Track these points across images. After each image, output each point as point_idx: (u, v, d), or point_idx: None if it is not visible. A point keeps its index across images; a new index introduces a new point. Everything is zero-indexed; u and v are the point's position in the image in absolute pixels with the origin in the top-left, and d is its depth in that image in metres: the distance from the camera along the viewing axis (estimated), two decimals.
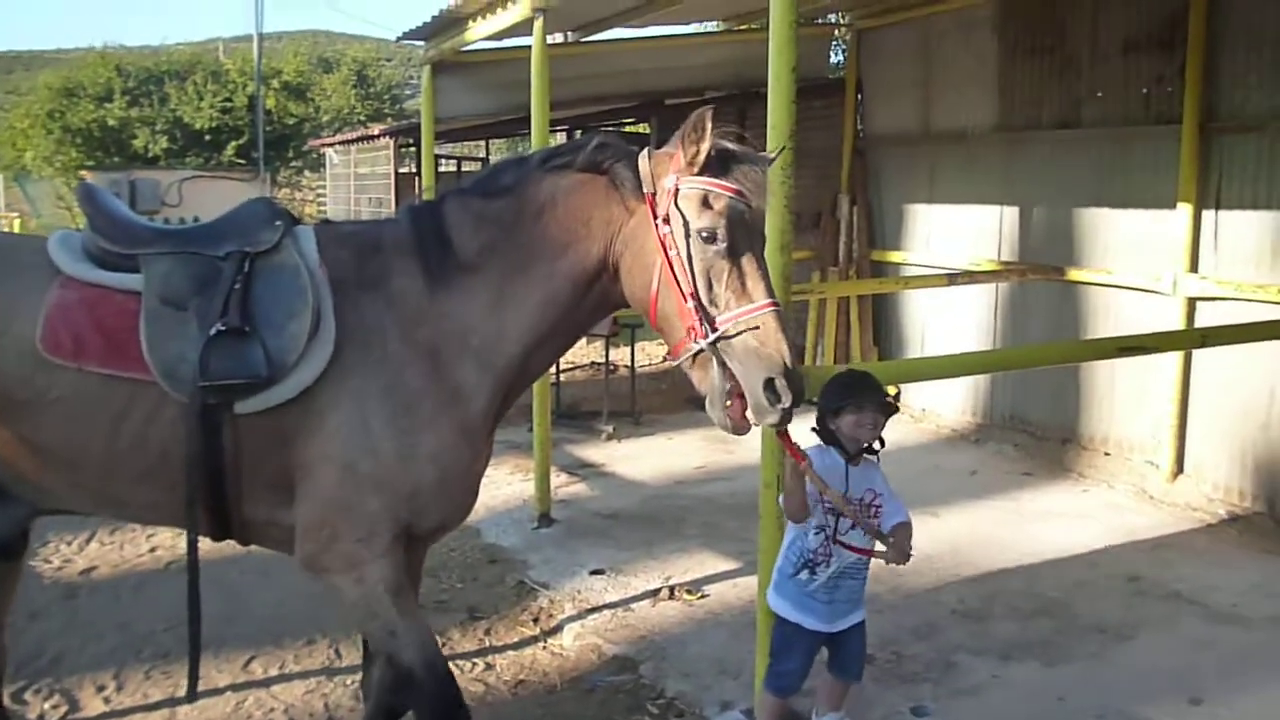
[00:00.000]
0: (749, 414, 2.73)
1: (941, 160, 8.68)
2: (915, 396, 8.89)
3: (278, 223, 2.90)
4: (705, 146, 2.72)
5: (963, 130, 8.41)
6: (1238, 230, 6.38)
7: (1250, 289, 6.19)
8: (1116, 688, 4.20)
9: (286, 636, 4.65)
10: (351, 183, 14.60)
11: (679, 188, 2.75)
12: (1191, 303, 6.59)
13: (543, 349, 2.98)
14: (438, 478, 2.81)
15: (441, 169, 11.23)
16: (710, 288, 2.73)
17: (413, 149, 12.28)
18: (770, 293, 2.76)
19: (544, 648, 4.71)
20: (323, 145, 18.24)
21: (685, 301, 2.72)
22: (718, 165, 2.75)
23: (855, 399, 3.36)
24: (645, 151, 2.86)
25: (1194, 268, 6.58)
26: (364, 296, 2.84)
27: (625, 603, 5.07)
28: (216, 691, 4.19)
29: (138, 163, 23.37)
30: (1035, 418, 7.84)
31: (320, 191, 21.65)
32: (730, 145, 2.79)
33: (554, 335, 2.98)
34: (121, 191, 14.11)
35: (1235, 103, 6.39)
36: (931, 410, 8.76)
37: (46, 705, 4.06)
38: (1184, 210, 6.57)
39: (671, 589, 5.17)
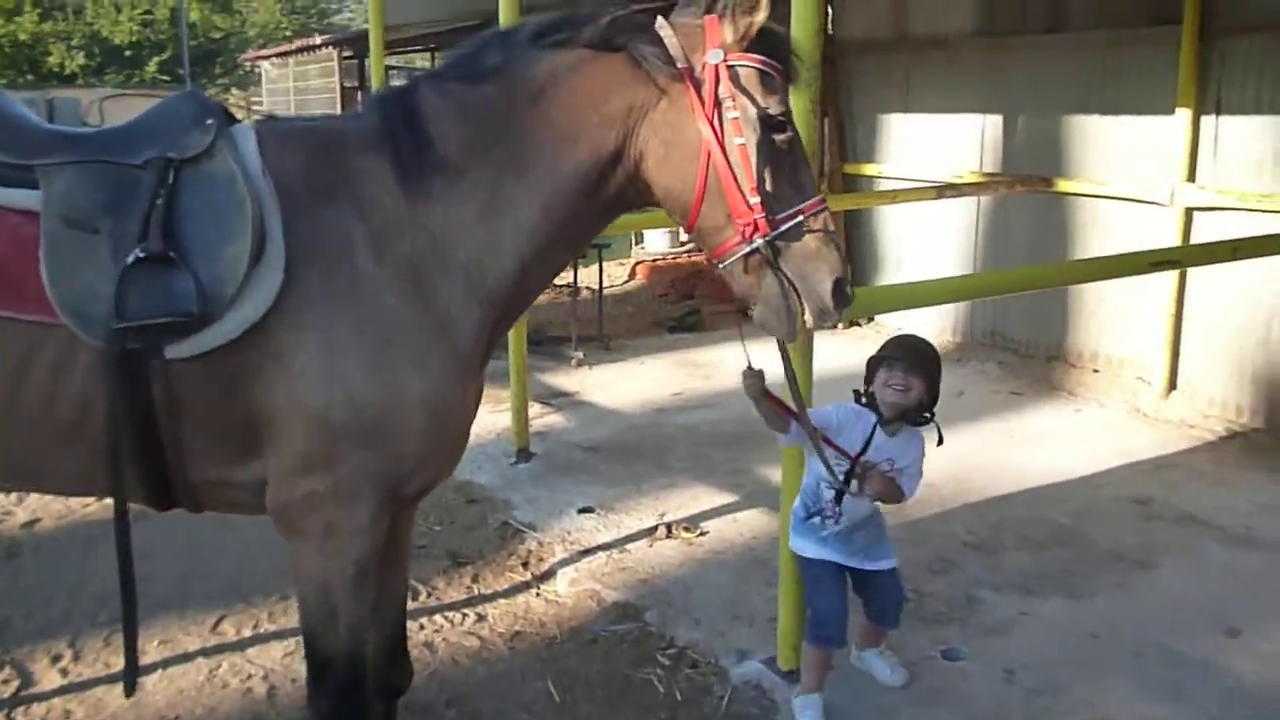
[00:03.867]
0: (807, 317, 2.45)
1: (918, 67, 8.29)
2: (889, 314, 8.62)
3: (209, 121, 2.36)
4: (760, 18, 2.33)
5: (941, 35, 8.02)
6: (1239, 137, 6.11)
7: (1255, 199, 5.94)
8: (1148, 620, 4.00)
9: (257, 593, 4.26)
10: (291, 98, 13.77)
11: (731, 65, 2.35)
12: (1189, 213, 6.35)
13: (543, 264, 2.53)
14: (428, 425, 2.38)
15: (393, 81, 10.52)
16: (766, 182, 2.37)
17: (356, 61, 11.54)
18: (817, 187, 2.50)
19: (537, 595, 4.39)
20: (258, 58, 17.24)
21: (748, 197, 2.34)
22: (763, 42, 2.38)
23: (892, 353, 3.24)
24: (660, 21, 2.40)
25: (1192, 177, 6.32)
26: (323, 207, 2.34)
27: (620, 543, 4.76)
28: (186, 658, 3.82)
29: (54, 81, 22.10)
30: (1018, 335, 7.62)
31: (255, 108, 20.65)
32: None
33: (556, 247, 2.52)
34: (39, 113, 13.19)
35: (1236, 1, 6.08)
36: (907, 329, 8.49)
37: None
38: (1182, 116, 6.28)
39: (669, 527, 4.87)
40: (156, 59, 24.37)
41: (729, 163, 2.34)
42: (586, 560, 4.60)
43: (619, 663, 3.84)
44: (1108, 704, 3.48)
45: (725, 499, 5.21)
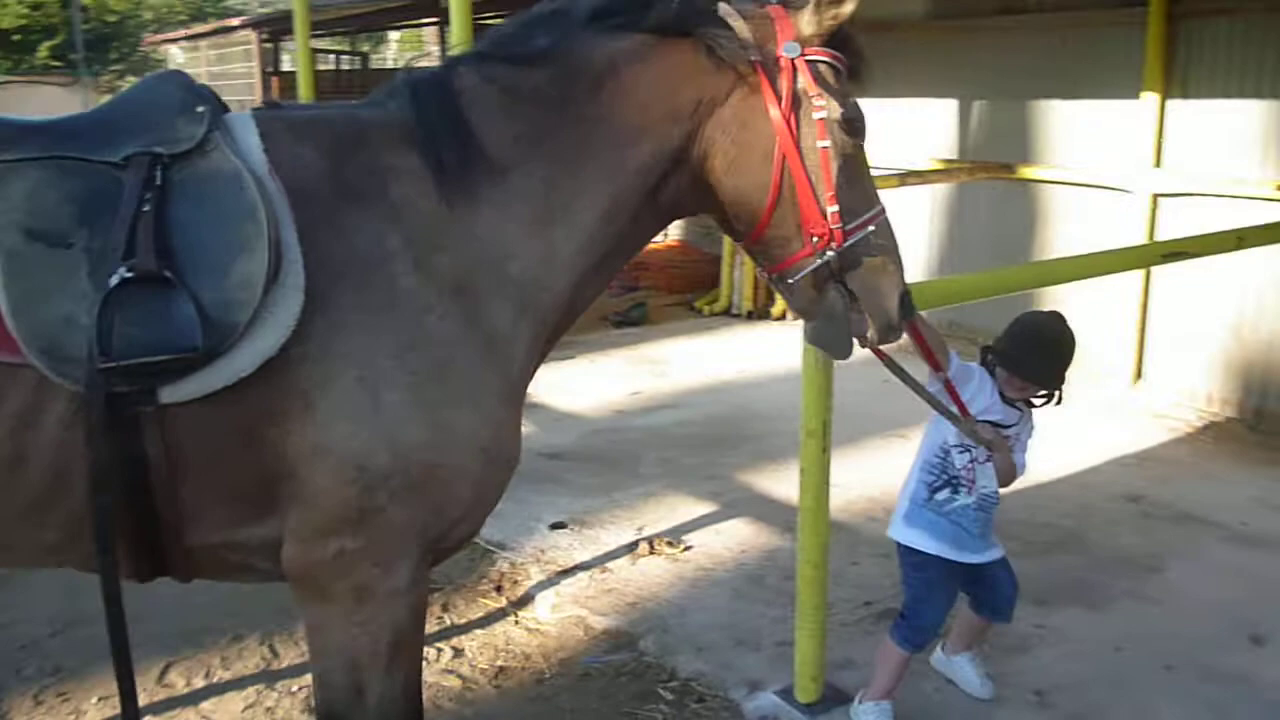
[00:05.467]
0: (872, 333, 2.25)
1: (868, 51, 8.05)
2: None
3: (199, 109, 1.93)
4: (849, 10, 2.05)
5: (890, 18, 7.80)
6: (1206, 121, 6.00)
7: (1225, 183, 5.83)
8: (1169, 630, 3.81)
9: (206, 635, 3.81)
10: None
11: (811, 60, 2.06)
12: (1156, 200, 6.23)
13: (598, 276, 2.19)
14: (482, 468, 2.01)
15: (319, 66, 9.75)
16: (843, 189, 2.11)
17: (272, 45, 10.88)
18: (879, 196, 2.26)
19: (516, 623, 4.03)
20: (165, 41, 16.19)
21: (824, 206, 2.08)
22: (837, 38, 2.11)
23: (1016, 358, 3.06)
24: (725, 8, 2.10)
25: (1159, 163, 6.20)
26: (348, 213, 1.95)
27: (600, 561, 4.42)
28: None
29: None
30: (979, 325, 7.42)
31: None
32: None
33: (613, 257, 2.19)
34: None
35: None
36: None
37: None
38: (1149, 100, 6.15)
39: (650, 542, 4.54)
40: (47, 44, 23.05)
41: (805, 167, 2.07)
42: (566, 582, 4.26)
43: (619, 699, 3.51)
44: None
45: (704, 509, 4.91)
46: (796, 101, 2.06)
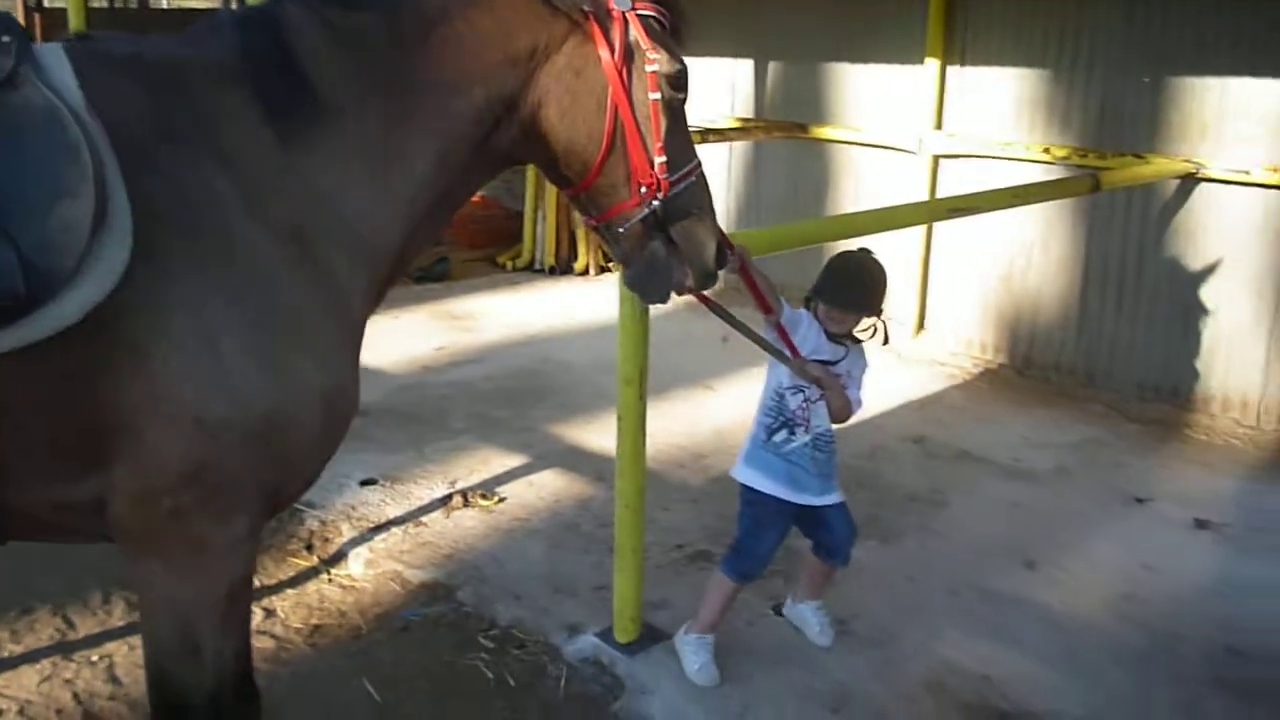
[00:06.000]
0: (690, 280, 2.36)
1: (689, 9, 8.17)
2: None
3: (4, 38, 1.78)
4: None
5: None
6: (982, 87, 6.40)
7: (999, 145, 6.25)
8: (954, 560, 4.13)
9: None
10: None
11: (641, 14, 2.11)
12: (936, 160, 6.61)
13: (430, 223, 2.18)
14: (326, 417, 1.97)
15: (90, 4, 8.90)
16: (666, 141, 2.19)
17: None
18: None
19: (330, 581, 3.96)
20: None
21: (653, 155, 2.15)
22: None
23: (826, 292, 3.20)
24: None
25: (939, 125, 6.58)
26: (175, 155, 1.85)
27: (413, 516, 4.39)
28: None
29: None
30: (775, 278, 7.72)
31: None
32: None
33: (444, 204, 2.18)
34: None
35: None
36: None
37: None
38: (931, 66, 6.50)
39: (464, 495, 4.54)
40: None
41: (636, 118, 2.13)
42: (379, 538, 4.21)
43: (439, 650, 3.52)
44: (940, 646, 3.53)
45: (516, 461, 4.93)
46: (629, 54, 2.11)
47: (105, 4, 12.06)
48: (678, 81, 2.18)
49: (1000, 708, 3.23)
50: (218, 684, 2.01)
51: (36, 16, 9.75)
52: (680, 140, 2.25)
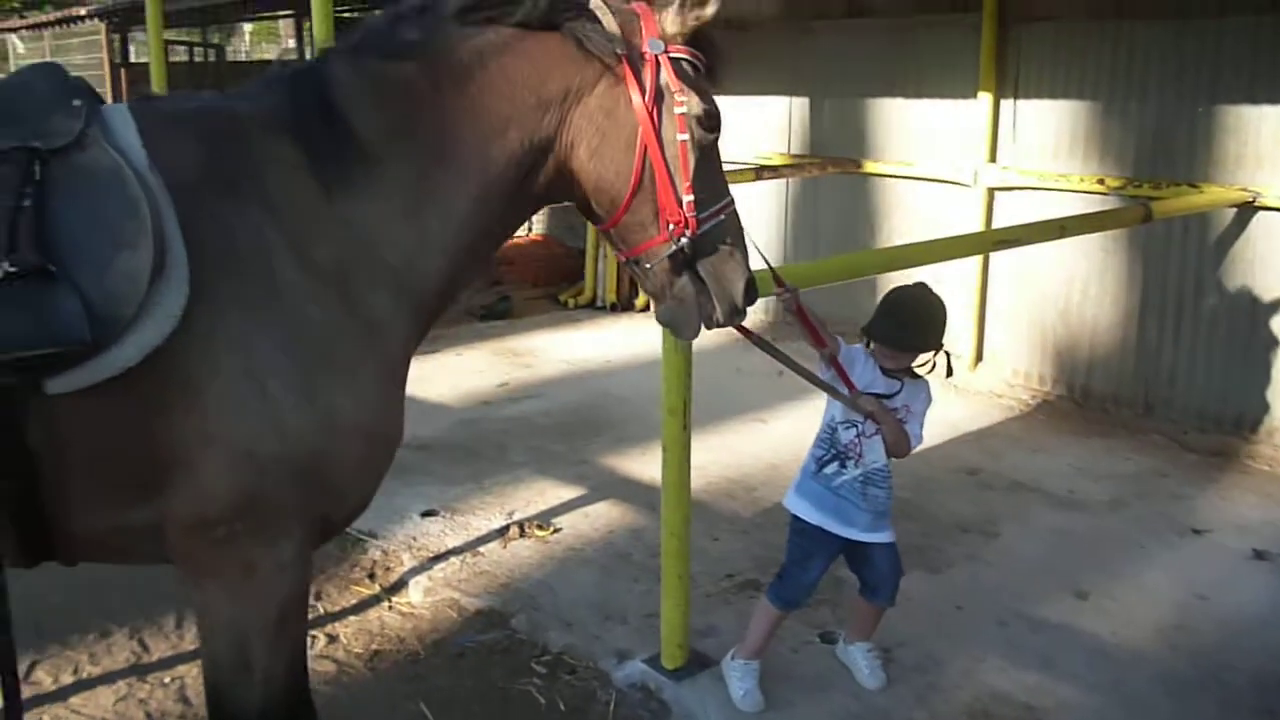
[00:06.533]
0: (719, 316, 2.41)
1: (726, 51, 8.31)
2: None
3: (75, 102, 1.95)
4: (711, 12, 2.21)
5: (746, 17, 8.08)
6: (1036, 120, 6.44)
7: (1053, 178, 6.27)
8: (1003, 589, 4.14)
9: (72, 633, 3.78)
10: None
11: (674, 57, 2.21)
12: (991, 193, 6.64)
13: (472, 261, 2.30)
14: (366, 450, 2.10)
15: (171, 58, 9.40)
16: (696, 180, 2.27)
17: (118, 35, 10.45)
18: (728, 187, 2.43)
19: (390, 608, 4.10)
20: (5, 30, 15.26)
21: (681, 195, 2.24)
22: (698, 37, 2.27)
23: (879, 331, 3.25)
24: (596, 1, 2.22)
25: (993, 158, 6.61)
26: (227, 205, 2.00)
27: (471, 546, 4.52)
28: None
29: None
30: (825, 312, 7.72)
31: None
32: None
33: (485, 242, 2.30)
34: None
35: None
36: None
37: None
38: (984, 100, 6.55)
39: (521, 526, 4.66)
40: None
41: (665, 158, 2.21)
42: (438, 567, 4.35)
43: (492, 676, 3.63)
44: (986, 675, 3.55)
45: (573, 493, 5.05)
46: (659, 95, 2.20)
47: (186, 58, 12.59)
48: (709, 123, 2.27)
49: None
50: (270, 701, 2.13)
51: (122, 71, 10.24)
52: (711, 178, 2.32)
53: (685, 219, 2.25)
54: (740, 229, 2.42)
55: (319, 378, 2.02)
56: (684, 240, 2.27)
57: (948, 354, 3.27)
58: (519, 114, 2.19)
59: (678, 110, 2.21)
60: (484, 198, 2.20)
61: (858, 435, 3.25)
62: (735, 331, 2.87)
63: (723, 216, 2.34)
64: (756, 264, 2.56)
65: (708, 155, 2.31)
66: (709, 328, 2.50)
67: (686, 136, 2.22)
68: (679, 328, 2.46)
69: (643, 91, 2.19)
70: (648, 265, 2.32)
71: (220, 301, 1.95)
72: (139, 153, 1.96)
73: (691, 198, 2.24)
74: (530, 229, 10.25)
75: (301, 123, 2.08)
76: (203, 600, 2.11)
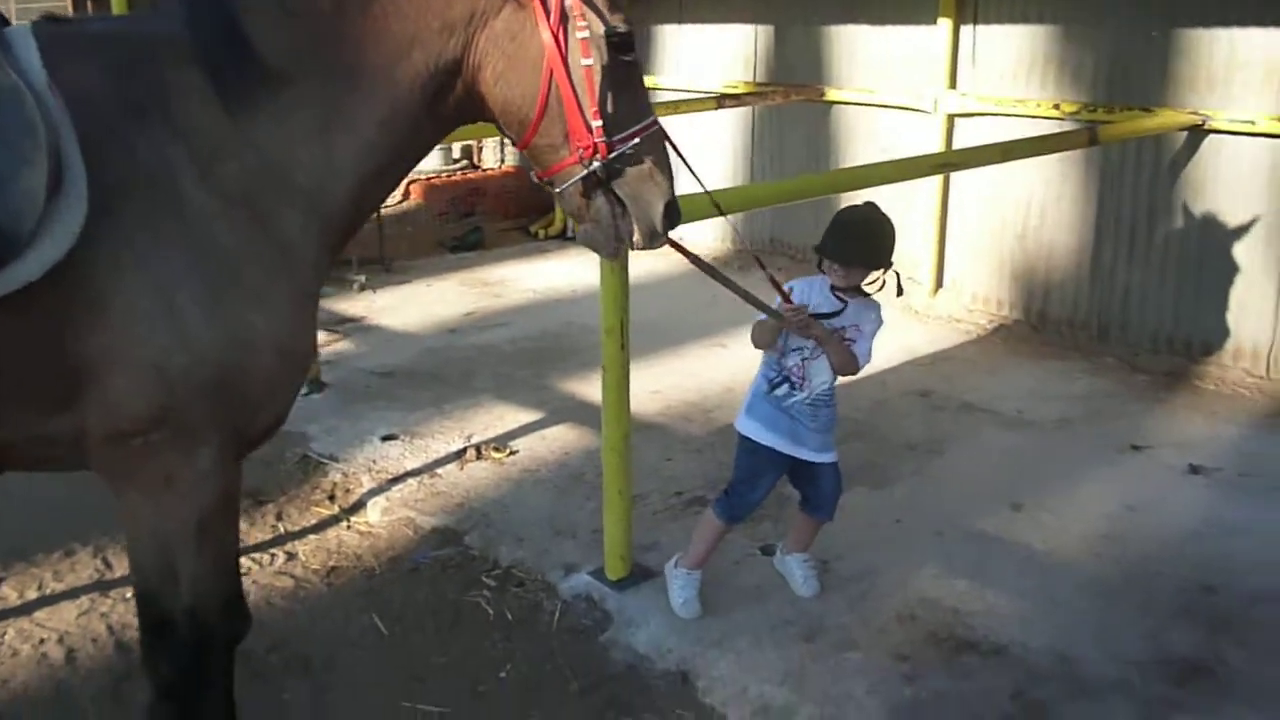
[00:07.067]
0: (637, 238, 2.44)
1: None
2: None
3: None
4: None
5: None
6: (995, 46, 6.45)
7: (1010, 103, 6.31)
8: (944, 502, 4.27)
9: (36, 551, 3.90)
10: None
11: None
12: (951, 119, 6.68)
13: (381, 183, 2.35)
14: (277, 366, 2.17)
15: None
16: (608, 103, 2.29)
17: None
18: (652, 108, 2.44)
19: (348, 527, 4.22)
20: None
21: (589, 119, 2.26)
22: None
23: (829, 247, 3.28)
24: None
25: (953, 85, 6.64)
26: (131, 126, 2.04)
27: (429, 468, 4.64)
28: None
29: None
30: (797, 241, 7.85)
31: None
32: None
33: (395, 164, 2.34)
34: None
35: None
36: (687, 240, 8.61)
37: None
38: (944, 26, 6.56)
39: (478, 448, 4.78)
40: None
41: (572, 82, 2.24)
42: (396, 488, 4.47)
43: (444, 589, 3.77)
44: (919, 583, 3.69)
45: (532, 416, 5.16)
46: (565, 18, 2.22)
47: None
48: (622, 44, 2.28)
49: (966, 638, 3.39)
50: (197, 602, 2.23)
51: (87, 2, 10.14)
52: (629, 101, 2.33)
53: (594, 143, 2.27)
54: (664, 151, 2.42)
55: (228, 294, 2.08)
56: (595, 164, 2.30)
57: (897, 274, 3.32)
58: (423, 36, 2.21)
59: (580, 34, 2.22)
60: (391, 119, 2.24)
61: (802, 359, 3.33)
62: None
63: (637, 140, 2.33)
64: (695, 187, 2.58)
65: (622, 77, 2.31)
66: (630, 249, 2.55)
67: (591, 60, 2.23)
68: (597, 248, 2.48)
69: (548, 15, 2.21)
70: (561, 187, 2.36)
71: (125, 220, 2.00)
72: (39, 73, 1.99)
73: (600, 122, 2.26)
74: (503, 161, 10.25)
75: (205, 43, 2.11)
76: (126, 509, 2.20)
